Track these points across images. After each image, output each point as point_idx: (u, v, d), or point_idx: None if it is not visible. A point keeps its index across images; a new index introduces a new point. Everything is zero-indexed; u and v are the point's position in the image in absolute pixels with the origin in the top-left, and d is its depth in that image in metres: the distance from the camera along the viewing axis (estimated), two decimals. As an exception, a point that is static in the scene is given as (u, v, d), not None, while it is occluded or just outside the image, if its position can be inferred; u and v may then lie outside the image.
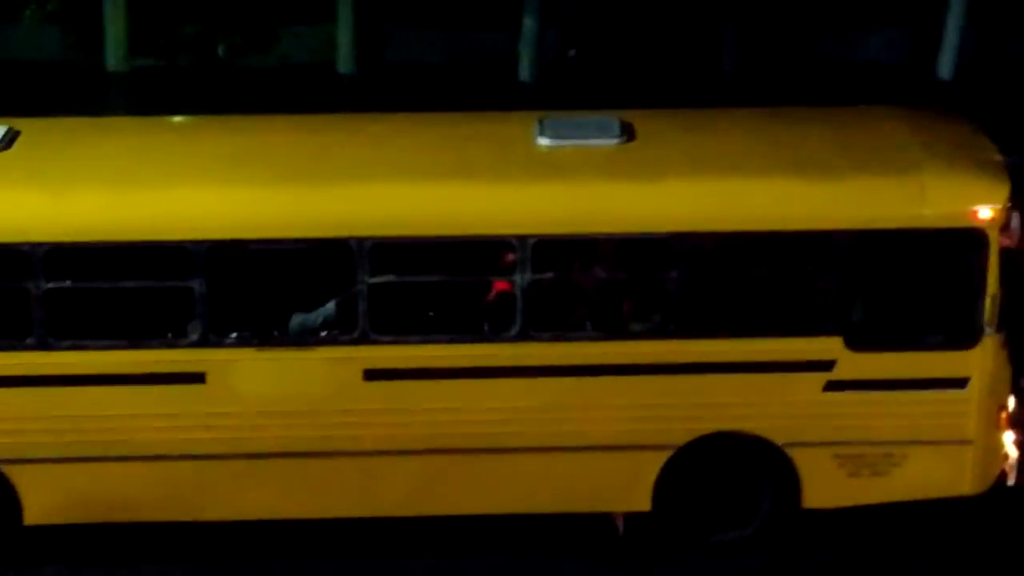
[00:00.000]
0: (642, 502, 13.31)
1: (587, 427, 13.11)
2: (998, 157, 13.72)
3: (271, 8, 23.00)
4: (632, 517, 13.49)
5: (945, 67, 24.95)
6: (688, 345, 13.03)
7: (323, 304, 13.23)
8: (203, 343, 12.92)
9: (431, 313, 13.22)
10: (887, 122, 14.29)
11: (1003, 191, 13.07)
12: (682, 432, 13.18)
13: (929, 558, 13.47)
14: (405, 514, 13.42)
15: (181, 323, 13.01)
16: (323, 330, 13.13)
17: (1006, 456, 13.47)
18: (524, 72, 24.27)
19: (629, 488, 13.30)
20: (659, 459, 13.21)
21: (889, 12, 25.29)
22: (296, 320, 13.19)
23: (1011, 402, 13.51)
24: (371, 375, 13.01)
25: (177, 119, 15.57)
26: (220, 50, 22.38)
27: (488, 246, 13.04)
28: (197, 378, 12.98)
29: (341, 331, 13.02)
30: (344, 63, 24.26)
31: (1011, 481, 13.51)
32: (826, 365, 13.07)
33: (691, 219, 12.94)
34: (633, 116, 14.03)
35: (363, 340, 12.96)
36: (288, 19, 23.51)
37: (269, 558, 13.53)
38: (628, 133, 13.68)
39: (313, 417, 13.05)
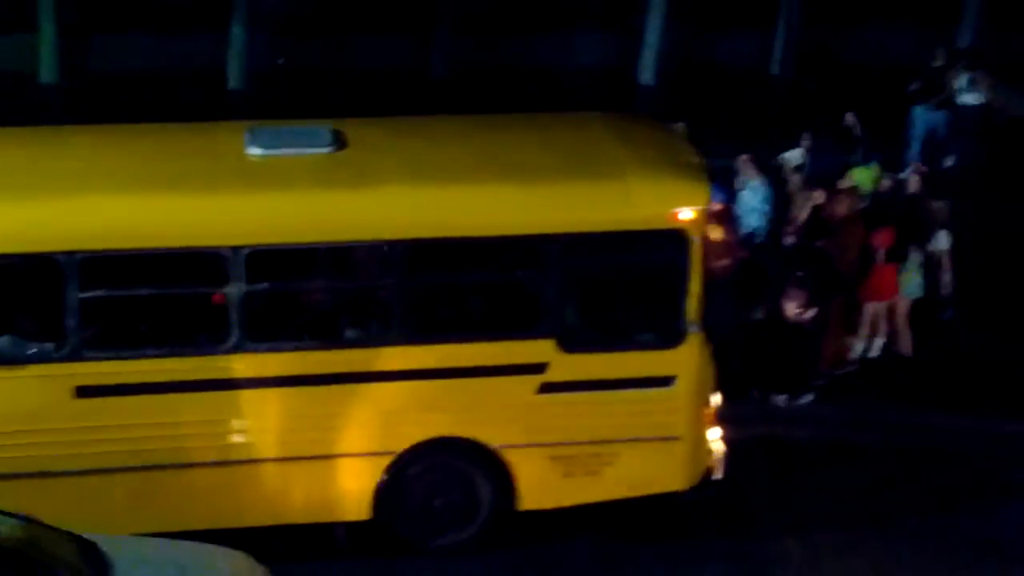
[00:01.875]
0: (362, 511, 13.35)
1: (306, 437, 13.08)
2: (698, 160, 14.16)
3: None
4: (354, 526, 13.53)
5: (646, 72, 25.64)
6: (405, 352, 13.10)
7: (34, 320, 12.91)
8: None
9: (144, 328, 13.02)
10: (593, 127, 14.60)
11: (703, 193, 13.49)
12: (400, 439, 13.24)
13: (644, 553, 13.81)
14: (127, 532, 13.17)
15: None
16: (34, 347, 12.82)
17: (713, 450, 13.89)
18: (233, 80, 24.07)
19: (348, 497, 13.31)
20: (378, 467, 13.26)
21: (594, 16, 25.81)
22: (4, 339, 12.85)
23: (715, 399, 13.96)
24: (83, 392, 12.75)
25: None
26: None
27: (201, 258, 12.89)
28: None
29: (53, 348, 12.74)
30: (47, 72, 23.70)
31: (718, 475, 13.91)
32: (539, 368, 13.27)
33: (405, 226, 13.02)
34: (344, 124, 14.04)
35: (74, 357, 12.69)
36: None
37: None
38: (339, 141, 13.68)
39: (25, 437, 12.72)
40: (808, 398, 16.37)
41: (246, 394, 12.97)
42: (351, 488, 13.27)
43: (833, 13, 26.05)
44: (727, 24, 25.95)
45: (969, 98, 21.41)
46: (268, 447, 13.05)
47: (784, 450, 15.45)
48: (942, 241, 16.97)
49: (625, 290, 13.58)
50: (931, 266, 17.12)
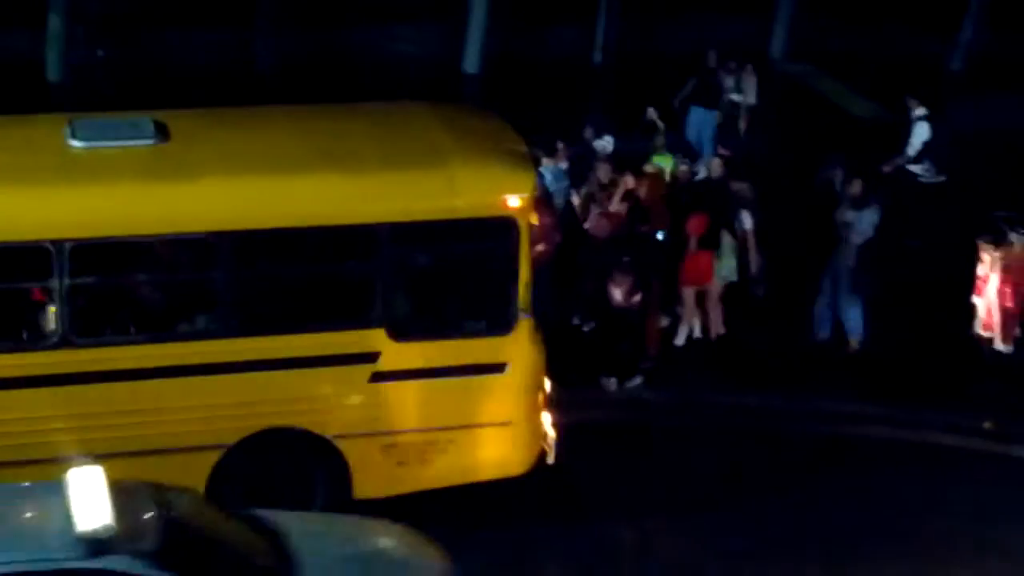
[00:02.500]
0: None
1: (135, 432, 12.91)
2: (523, 148, 14.27)
3: None
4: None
5: (471, 62, 25.74)
6: (235, 344, 13.02)
7: None
8: None
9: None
10: (419, 116, 14.63)
11: (529, 180, 13.61)
12: (232, 431, 13.16)
13: (478, 538, 13.86)
14: None
15: None
16: None
17: (545, 435, 14.02)
18: (52, 73, 23.64)
19: (181, 491, 13.18)
20: (209, 460, 13.15)
21: (419, 7, 25.82)
22: None
23: (547, 384, 14.07)
24: None
25: None
26: None
27: (23, 252, 12.63)
28: None
29: None
30: None
31: (551, 460, 14.05)
32: (371, 357, 13.28)
33: (231, 218, 12.92)
34: (167, 116, 13.88)
35: None
36: None
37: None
38: (163, 133, 13.52)
39: None
40: (637, 381, 16.58)
41: (72, 390, 12.77)
42: (183, 482, 13.10)
43: (653, 3, 26.41)
44: (550, 15, 26.13)
45: (737, 98, 21.91)
46: (96, 443, 12.78)
47: (615, 434, 15.61)
48: (746, 221, 17.31)
49: (455, 278, 13.65)
50: (743, 248, 17.43)
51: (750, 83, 21.98)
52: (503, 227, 13.33)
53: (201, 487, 13.12)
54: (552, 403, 14.13)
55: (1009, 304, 17.11)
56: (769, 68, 26.82)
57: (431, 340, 13.44)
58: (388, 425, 13.43)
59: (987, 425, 16.23)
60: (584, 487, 14.68)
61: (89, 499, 10.73)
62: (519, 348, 13.60)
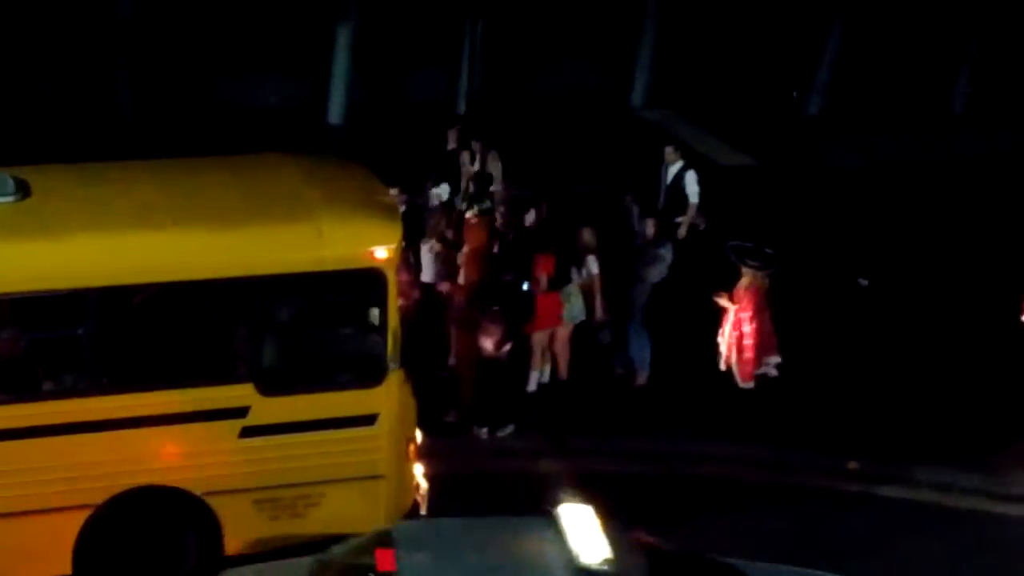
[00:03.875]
0: (63, 567, 13.00)
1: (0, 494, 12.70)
2: (390, 199, 14.29)
3: None
4: None
5: (335, 111, 25.72)
6: (102, 402, 12.85)
7: None
8: None
9: None
10: (284, 168, 14.59)
11: (396, 231, 13.62)
12: (99, 491, 12.97)
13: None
14: None
15: None
16: None
17: (417, 487, 14.01)
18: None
19: (48, 554, 12.95)
20: (77, 520, 12.95)
21: (281, 57, 25.77)
22: None
23: (418, 435, 14.06)
24: None
25: None
26: None
27: None
28: None
29: None
30: None
31: (423, 511, 14.04)
32: (240, 412, 13.18)
33: (95, 273, 12.78)
34: (27, 172, 13.70)
35: None
36: None
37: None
38: (23, 189, 13.36)
39: None
40: (509, 430, 16.61)
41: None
42: (51, 543, 12.92)
43: (515, 48, 26.63)
44: (413, 63, 26.22)
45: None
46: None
47: (487, 483, 15.61)
48: (593, 267, 17.42)
49: (324, 331, 13.61)
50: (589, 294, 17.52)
51: (496, 167, 20.10)
52: (371, 279, 13.32)
53: (68, 549, 12.92)
54: (424, 453, 14.11)
55: (744, 339, 16.86)
56: (629, 114, 27.26)
57: (301, 393, 13.36)
58: (259, 481, 13.31)
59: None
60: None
61: (584, 534, 11.43)
62: (389, 399, 13.57)
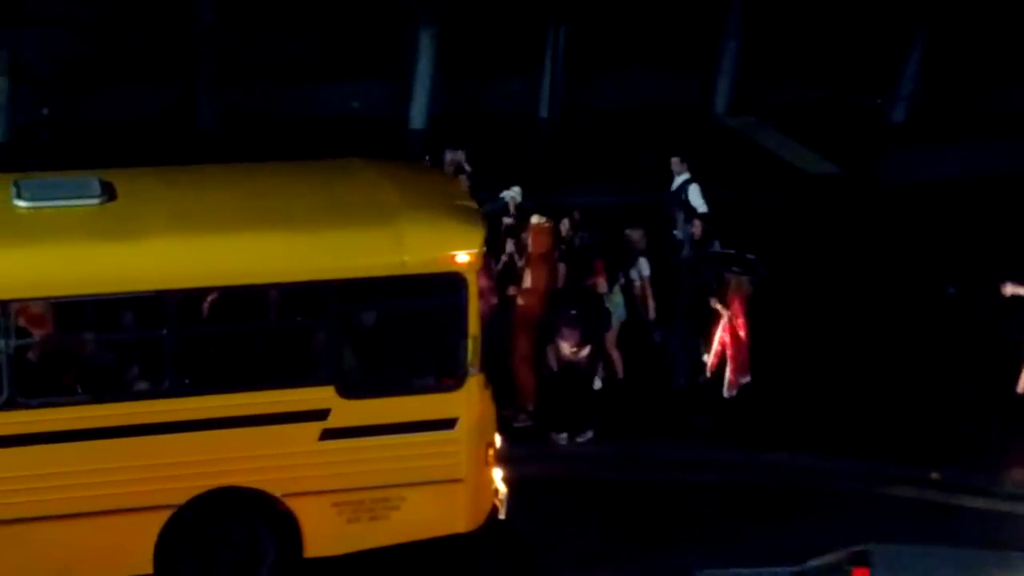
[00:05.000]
0: (144, 566, 13.10)
1: (83, 494, 12.78)
2: (472, 204, 14.28)
3: None
4: None
5: (417, 117, 25.80)
6: (183, 403, 12.93)
7: None
8: None
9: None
10: (366, 173, 14.63)
11: (478, 236, 13.61)
12: (181, 492, 13.05)
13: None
14: None
15: None
16: None
17: (496, 491, 13.99)
18: (-1, 134, 23.57)
19: (130, 553, 13.04)
20: (159, 520, 13.03)
21: (363, 64, 25.88)
22: None
23: (497, 439, 14.05)
24: None
25: None
26: None
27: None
28: None
29: None
30: None
31: (502, 515, 14.01)
32: (321, 415, 13.22)
33: (178, 276, 12.86)
34: (113, 175, 13.84)
35: None
36: None
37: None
38: (109, 192, 13.47)
39: None
40: (588, 435, 16.57)
41: (20, 451, 12.63)
42: (132, 543, 13.02)
43: (597, 56, 26.58)
44: (496, 70, 26.25)
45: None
46: (45, 505, 12.73)
47: (566, 488, 15.57)
48: (644, 269, 17.37)
49: (404, 334, 13.62)
50: (630, 292, 17.47)
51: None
52: (452, 283, 13.33)
53: (149, 548, 13.02)
54: (503, 458, 14.09)
55: (727, 348, 16.87)
56: (712, 121, 27.14)
57: (381, 397, 13.40)
58: (339, 483, 13.35)
59: None
60: (535, 542, 14.62)
61: None
62: (469, 403, 13.56)
